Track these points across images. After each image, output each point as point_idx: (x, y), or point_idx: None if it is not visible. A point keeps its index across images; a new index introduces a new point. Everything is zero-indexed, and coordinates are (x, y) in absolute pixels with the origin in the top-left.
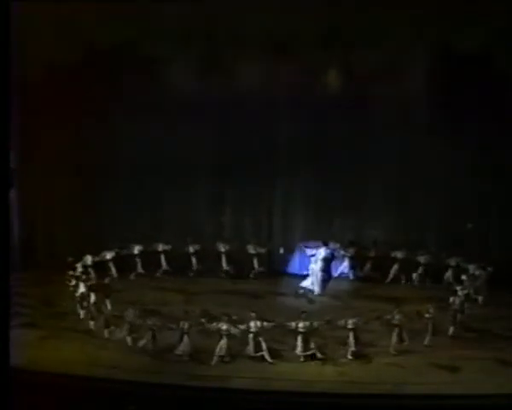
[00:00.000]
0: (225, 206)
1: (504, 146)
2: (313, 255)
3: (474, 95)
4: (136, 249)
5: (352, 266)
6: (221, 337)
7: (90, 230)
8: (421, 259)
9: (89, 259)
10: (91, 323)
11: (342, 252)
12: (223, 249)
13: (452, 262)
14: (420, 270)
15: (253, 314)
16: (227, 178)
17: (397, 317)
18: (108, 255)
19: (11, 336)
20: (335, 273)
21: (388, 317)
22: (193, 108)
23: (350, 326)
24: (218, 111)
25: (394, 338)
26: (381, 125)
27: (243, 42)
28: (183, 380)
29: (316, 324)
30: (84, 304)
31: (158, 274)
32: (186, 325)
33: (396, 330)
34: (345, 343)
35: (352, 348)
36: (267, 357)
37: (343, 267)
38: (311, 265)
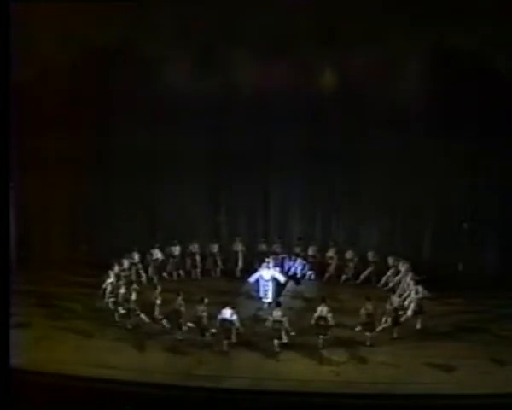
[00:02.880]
0: (221, 205)
1: (504, 146)
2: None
3: (473, 95)
4: (195, 248)
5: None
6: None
7: (86, 229)
8: (348, 255)
9: (135, 256)
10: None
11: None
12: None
13: (371, 258)
14: (350, 268)
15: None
16: (224, 178)
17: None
18: (159, 254)
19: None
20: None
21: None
22: (190, 108)
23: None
24: (217, 111)
25: None
26: (380, 126)
27: (241, 41)
28: (181, 380)
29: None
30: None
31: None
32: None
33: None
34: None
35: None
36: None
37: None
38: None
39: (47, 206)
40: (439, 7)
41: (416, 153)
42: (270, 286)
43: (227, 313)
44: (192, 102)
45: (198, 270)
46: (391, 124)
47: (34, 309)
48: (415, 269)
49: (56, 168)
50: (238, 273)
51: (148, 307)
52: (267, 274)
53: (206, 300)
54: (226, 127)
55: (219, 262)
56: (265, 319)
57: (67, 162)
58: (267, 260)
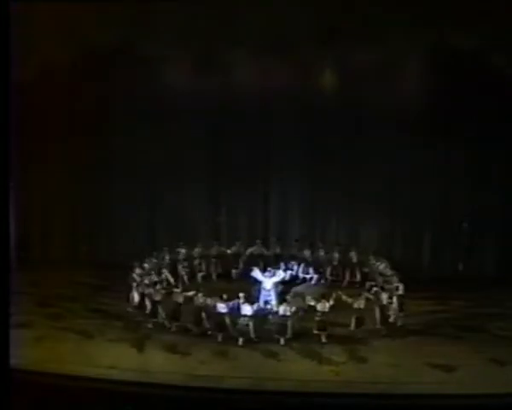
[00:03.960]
0: (221, 206)
1: (504, 147)
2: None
3: (473, 95)
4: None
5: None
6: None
7: (86, 229)
8: (333, 256)
9: (152, 261)
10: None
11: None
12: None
13: (354, 258)
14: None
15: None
16: (224, 179)
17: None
18: (181, 255)
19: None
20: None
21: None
22: (190, 108)
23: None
24: (217, 111)
25: None
26: (380, 126)
27: (241, 41)
28: (181, 380)
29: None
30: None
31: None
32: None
33: None
34: None
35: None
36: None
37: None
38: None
39: (47, 206)
40: (439, 7)
41: (416, 153)
42: (272, 296)
43: (247, 309)
44: (192, 102)
45: (200, 274)
46: (391, 124)
47: (34, 309)
48: (413, 269)
49: (56, 168)
50: (238, 276)
51: (171, 308)
52: (268, 283)
53: (225, 296)
54: (226, 127)
55: (218, 266)
56: (268, 319)
57: (67, 162)
58: (269, 268)
